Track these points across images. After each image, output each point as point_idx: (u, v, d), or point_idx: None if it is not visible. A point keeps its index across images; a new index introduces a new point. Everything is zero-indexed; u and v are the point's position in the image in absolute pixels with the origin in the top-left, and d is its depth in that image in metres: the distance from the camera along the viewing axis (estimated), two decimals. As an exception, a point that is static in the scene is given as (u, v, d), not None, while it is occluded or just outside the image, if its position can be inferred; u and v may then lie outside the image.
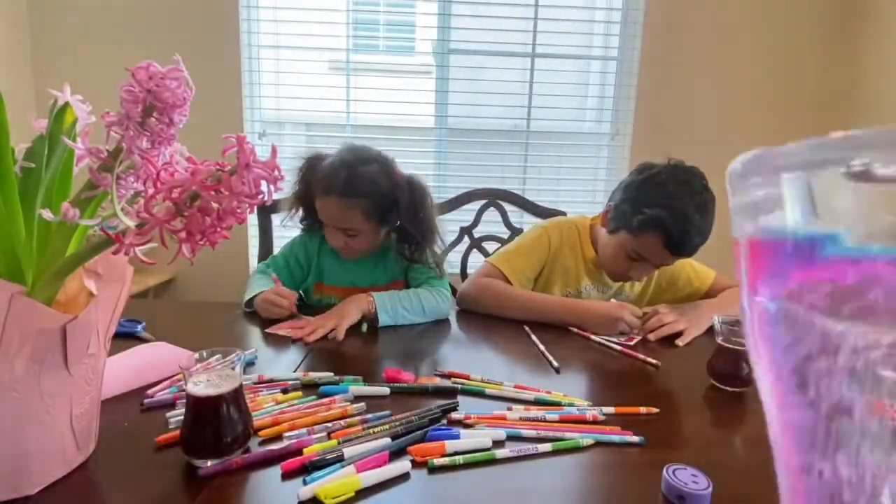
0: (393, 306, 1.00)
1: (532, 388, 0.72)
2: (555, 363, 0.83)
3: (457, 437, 0.57)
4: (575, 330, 1.02)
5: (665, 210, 0.99)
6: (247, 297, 1.05)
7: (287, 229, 1.22)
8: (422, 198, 1.05)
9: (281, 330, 0.93)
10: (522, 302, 1.09)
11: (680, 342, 0.98)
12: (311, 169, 1.07)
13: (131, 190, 0.49)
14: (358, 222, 1.03)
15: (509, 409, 0.66)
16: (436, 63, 2.13)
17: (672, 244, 1.01)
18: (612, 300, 1.10)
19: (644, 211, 1.02)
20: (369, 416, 0.62)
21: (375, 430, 0.58)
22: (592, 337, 0.98)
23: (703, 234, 1.00)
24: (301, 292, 1.21)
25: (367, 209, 1.02)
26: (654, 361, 0.85)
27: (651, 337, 0.99)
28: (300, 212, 1.14)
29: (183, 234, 0.42)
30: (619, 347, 0.92)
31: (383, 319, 0.98)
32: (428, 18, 2.13)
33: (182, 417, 0.54)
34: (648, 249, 1.04)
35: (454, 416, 0.63)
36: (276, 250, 1.44)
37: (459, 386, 0.72)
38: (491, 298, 1.12)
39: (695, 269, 1.22)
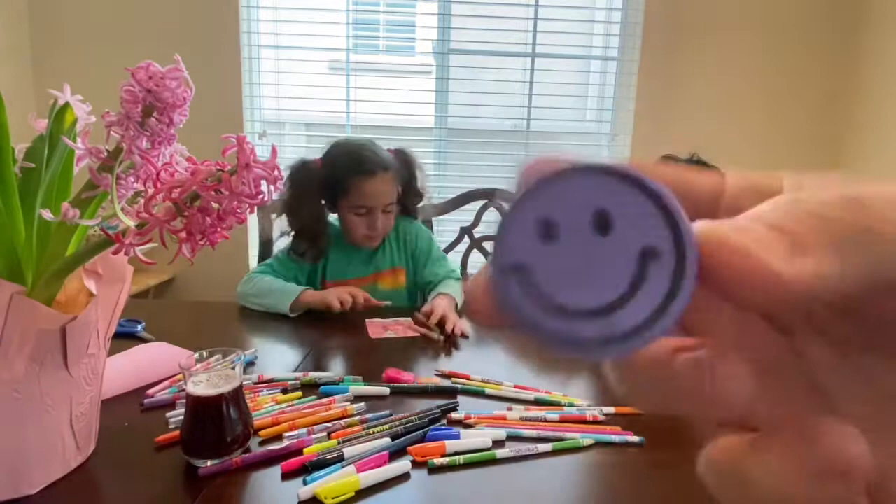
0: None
1: (532, 388, 0.72)
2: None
3: (457, 437, 0.57)
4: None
5: None
6: (288, 301, 0.97)
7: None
8: (413, 159, 1.15)
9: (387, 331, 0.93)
10: None
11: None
12: (308, 173, 1.06)
13: (131, 190, 0.49)
14: (395, 193, 1.08)
15: (509, 409, 0.66)
16: (436, 63, 2.13)
17: None
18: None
19: None
20: (369, 416, 0.62)
21: (375, 430, 0.58)
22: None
23: None
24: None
25: (394, 177, 1.08)
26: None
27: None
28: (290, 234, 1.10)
29: (183, 234, 0.42)
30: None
31: None
32: (428, 18, 2.13)
33: (182, 417, 0.54)
34: None
35: (454, 416, 0.63)
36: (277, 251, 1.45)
37: (459, 386, 0.72)
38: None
39: None
